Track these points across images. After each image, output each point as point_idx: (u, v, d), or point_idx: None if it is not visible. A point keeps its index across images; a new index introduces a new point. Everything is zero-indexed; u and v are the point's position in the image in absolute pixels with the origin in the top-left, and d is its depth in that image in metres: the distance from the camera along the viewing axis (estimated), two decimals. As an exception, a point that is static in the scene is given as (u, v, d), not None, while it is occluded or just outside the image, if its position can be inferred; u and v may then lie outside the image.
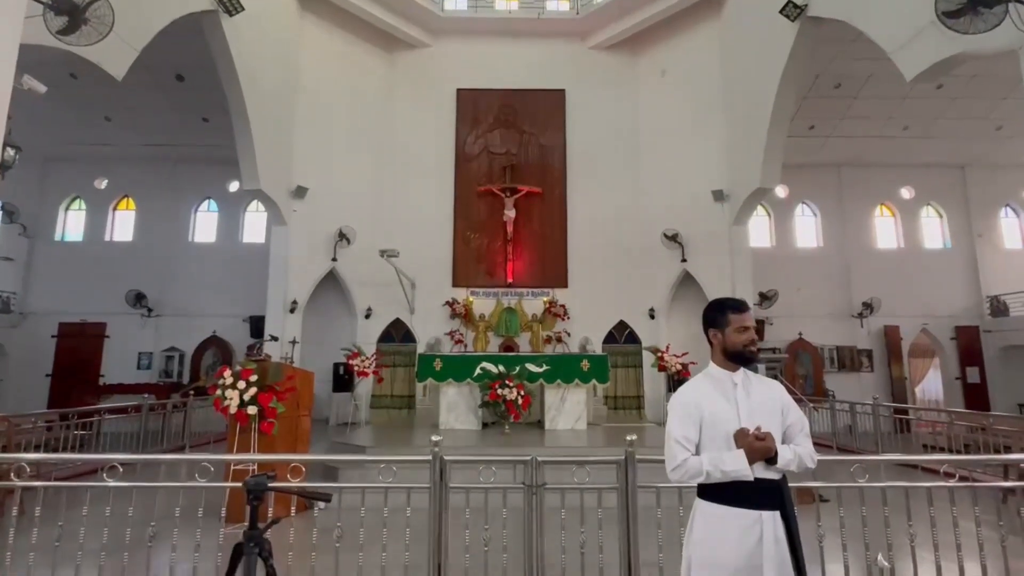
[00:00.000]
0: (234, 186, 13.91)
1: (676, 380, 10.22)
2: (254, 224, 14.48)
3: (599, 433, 8.06)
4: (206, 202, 14.74)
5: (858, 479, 3.39)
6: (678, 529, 3.22)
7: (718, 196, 11.17)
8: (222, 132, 10.97)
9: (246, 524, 1.73)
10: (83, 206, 14.66)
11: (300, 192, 11.04)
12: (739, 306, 2.18)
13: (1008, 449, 6.89)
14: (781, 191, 14.33)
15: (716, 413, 2.06)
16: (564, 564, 3.26)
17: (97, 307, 13.59)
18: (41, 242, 14.19)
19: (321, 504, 4.92)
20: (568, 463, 3.78)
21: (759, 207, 13.33)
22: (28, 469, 3.41)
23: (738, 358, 2.13)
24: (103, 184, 14.56)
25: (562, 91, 12.69)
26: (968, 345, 14.31)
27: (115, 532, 3.24)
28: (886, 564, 1.53)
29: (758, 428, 1.98)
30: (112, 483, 3.30)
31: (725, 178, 11.16)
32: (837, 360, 13.99)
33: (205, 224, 14.62)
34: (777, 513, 1.98)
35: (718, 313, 2.18)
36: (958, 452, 7.65)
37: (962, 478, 3.63)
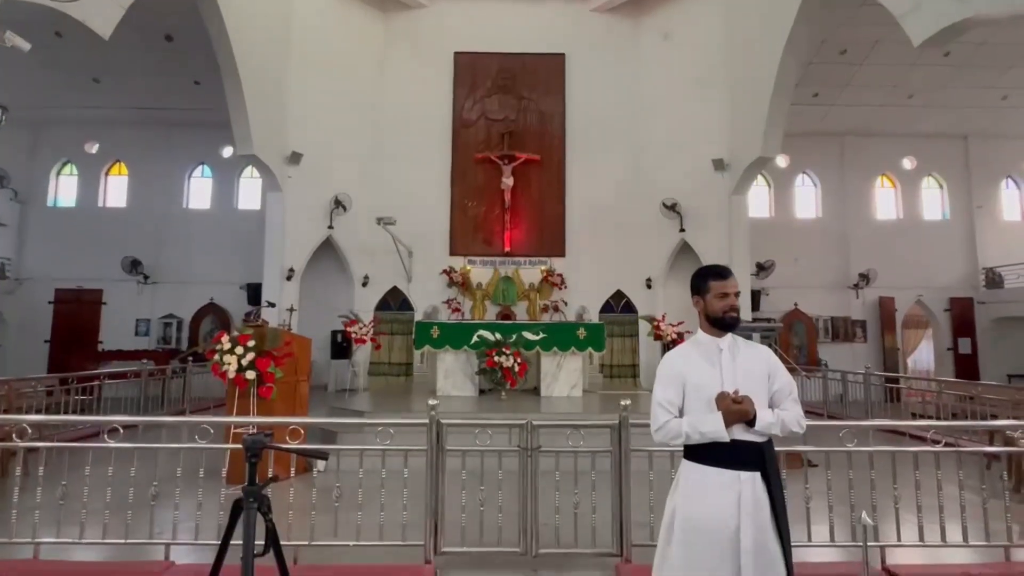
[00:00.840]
0: (228, 151, 13.69)
1: (671, 349, 10.32)
2: (249, 190, 14.31)
3: (594, 400, 8.17)
4: (200, 167, 14.53)
5: (847, 444, 3.46)
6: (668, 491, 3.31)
7: (718, 165, 11.06)
8: (214, 96, 10.72)
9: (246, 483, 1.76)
10: (75, 171, 14.44)
11: (295, 158, 10.87)
12: (720, 272, 2.21)
13: (995, 418, 7.01)
14: (782, 161, 14.19)
15: (699, 378, 2.12)
16: (558, 524, 3.34)
17: (93, 273, 13.54)
18: (33, 208, 14.03)
19: (320, 466, 5.02)
20: (563, 427, 3.84)
21: (759, 177, 13.22)
22: (29, 431, 3.45)
23: (719, 324, 2.16)
24: (94, 148, 14.31)
25: (562, 55, 12.39)
26: (961, 316, 14.44)
27: (118, 492, 3.30)
28: (870, 523, 1.57)
29: (736, 391, 2.04)
30: (113, 444, 3.36)
31: (726, 147, 11.03)
32: (831, 331, 14.12)
33: (199, 190, 14.45)
34: (757, 475, 2.03)
35: (701, 280, 2.22)
36: (946, 420, 7.80)
37: (948, 445, 3.72)
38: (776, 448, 2.19)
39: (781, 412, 2.08)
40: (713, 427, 2.02)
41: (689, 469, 2.12)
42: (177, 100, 12.90)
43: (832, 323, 14.14)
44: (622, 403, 3.46)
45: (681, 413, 2.13)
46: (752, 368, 2.13)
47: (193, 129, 13.91)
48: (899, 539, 3.37)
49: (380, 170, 11.90)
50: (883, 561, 3.25)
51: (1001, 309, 14.14)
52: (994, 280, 14.38)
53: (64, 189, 14.44)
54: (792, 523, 2.10)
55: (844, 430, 3.55)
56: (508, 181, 11.79)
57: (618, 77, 12.27)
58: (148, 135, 14.03)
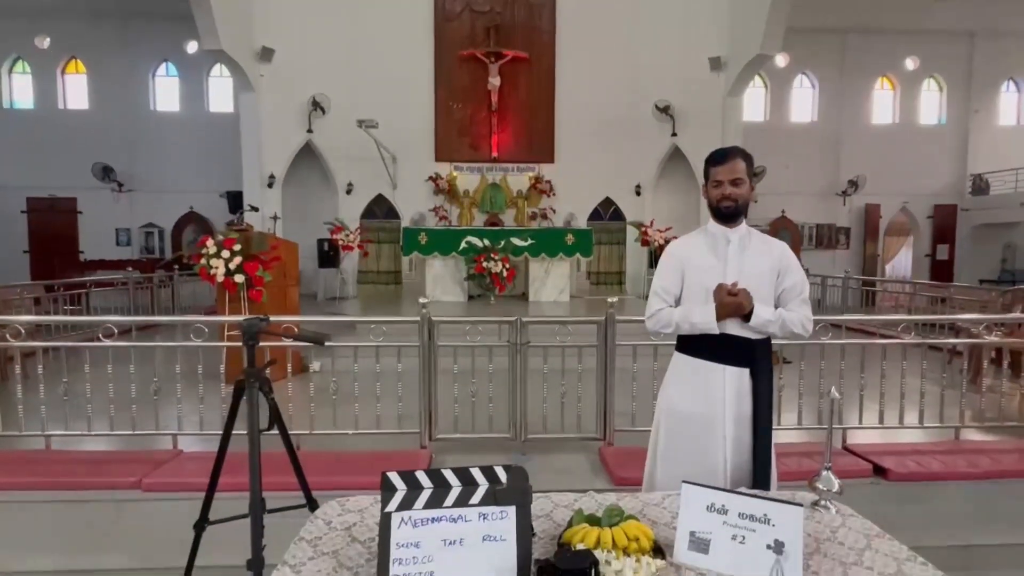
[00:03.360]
0: (192, 47, 12.69)
1: (658, 255, 10.44)
2: (220, 91, 13.48)
3: (581, 304, 8.37)
4: (164, 65, 13.54)
5: (821, 337, 3.62)
6: (651, 383, 3.49)
7: (715, 64, 10.57)
8: (172, -19, 9.78)
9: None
10: (27, 68, 13.40)
11: (266, 54, 10.15)
12: (716, 158, 2.03)
13: (962, 318, 7.32)
14: (781, 60, 13.54)
15: (700, 268, 2.03)
16: (546, 412, 3.54)
17: (63, 181, 13.00)
18: (-13, 109, 13.18)
19: (316, 365, 5.17)
20: (552, 323, 3.96)
21: (756, 77, 12.69)
22: (23, 331, 3.48)
23: (715, 213, 2.05)
24: (45, 43, 13.17)
25: (553, -62, 11.32)
26: (943, 223, 14.65)
27: (120, 390, 3.40)
28: (838, 395, 1.67)
29: (734, 284, 1.94)
30: (110, 343, 3.40)
31: (724, 44, 10.48)
32: (816, 238, 14.30)
33: (166, 90, 13.57)
34: (746, 371, 1.98)
35: (704, 167, 2.08)
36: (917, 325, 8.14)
37: (915, 346, 3.92)
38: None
39: (784, 311, 1.98)
40: (703, 318, 1.95)
41: (678, 360, 2.11)
42: (132, -13, 11.76)
43: (817, 230, 14.29)
44: (609, 299, 3.55)
45: (678, 303, 2.08)
46: (760, 263, 2.02)
47: (153, 21, 12.79)
48: (860, 422, 3.64)
49: (359, 69, 11.18)
50: (844, 441, 3.53)
51: (983, 216, 14.34)
52: (980, 187, 14.44)
53: (19, 89, 13.48)
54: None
55: (820, 324, 3.70)
56: (495, 81, 11.20)
57: (613, -37, 11.31)
58: (103, 28, 12.91)
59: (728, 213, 2.01)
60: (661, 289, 2.09)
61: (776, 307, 2.00)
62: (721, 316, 1.95)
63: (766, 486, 1.95)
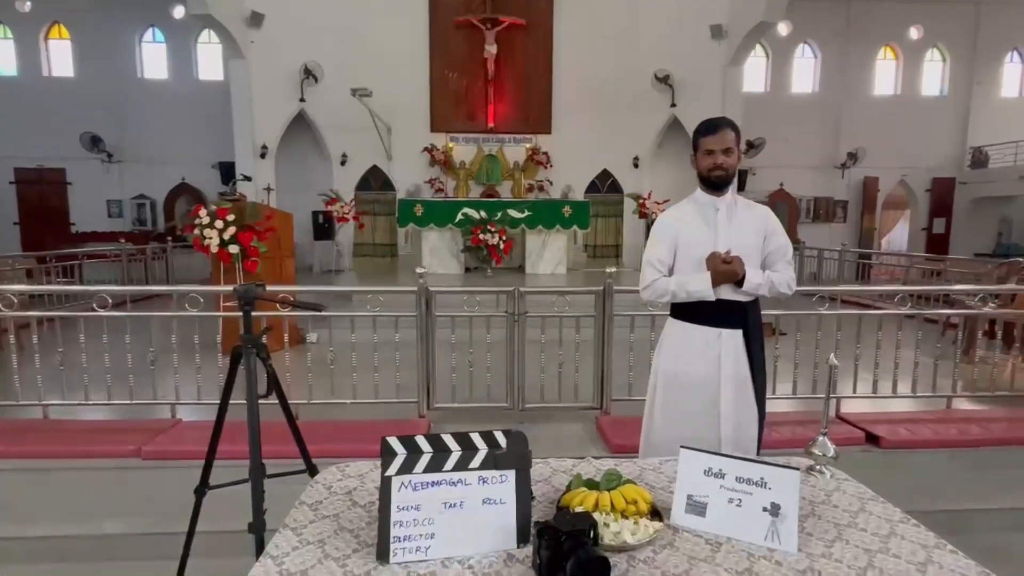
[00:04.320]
0: (179, 11, 12.33)
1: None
2: (209, 58, 13.14)
3: (578, 276, 8.36)
4: (150, 31, 13.15)
5: (818, 308, 3.63)
6: (648, 353, 3.50)
7: (716, 32, 10.33)
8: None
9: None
10: (8, 33, 12.98)
11: (256, 19, 9.85)
12: (707, 128, 2.07)
13: (957, 292, 7.36)
14: (783, 28, 13.27)
15: (692, 237, 2.09)
16: (543, 381, 3.56)
17: (51, 152, 12.75)
18: (-31, 76, 12.82)
19: (312, 337, 5.16)
20: (550, 293, 3.95)
21: (757, 46, 12.45)
22: (16, 301, 3.44)
23: (705, 182, 2.10)
24: (27, 6, 12.73)
25: None
26: (941, 196, 14.60)
27: (116, 360, 3.39)
28: (835, 363, 1.68)
29: (727, 252, 2.01)
30: (104, 313, 3.38)
31: (725, 11, 10.23)
32: (813, 211, 14.25)
33: (153, 57, 13.20)
34: (739, 332, 2.06)
35: (694, 136, 2.13)
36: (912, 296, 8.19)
37: (908, 316, 3.94)
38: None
39: (772, 273, 2.07)
40: (699, 286, 2.02)
41: (673, 326, 2.17)
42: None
43: (815, 204, 14.24)
44: (607, 270, 3.54)
45: (671, 272, 2.13)
46: (748, 228, 2.10)
47: (137, -16, 12.38)
48: (855, 391, 3.68)
49: (352, 36, 10.88)
50: (838, 410, 3.57)
51: (981, 189, 14.29)
52: (979, 160, 14.35)
53: (2, 56, 13.08)
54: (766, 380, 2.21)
55: (816, 296, 3.70)
56: (491, 49, 10.95)
57: (614, -75, 10.95)
58: (84, -10, 12.49)
59: (719, 182, 2.07)
60: (655, 259, 2.13)
61: (763, 269, 2.09)
62: (716, 283, 2.02)
63: (760, 442, 2.05)
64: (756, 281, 2.03)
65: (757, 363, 2.09)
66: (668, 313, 2.22)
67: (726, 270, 1.99)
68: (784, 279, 2.08)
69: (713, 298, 2.02)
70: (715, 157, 2.03)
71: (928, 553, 1.19)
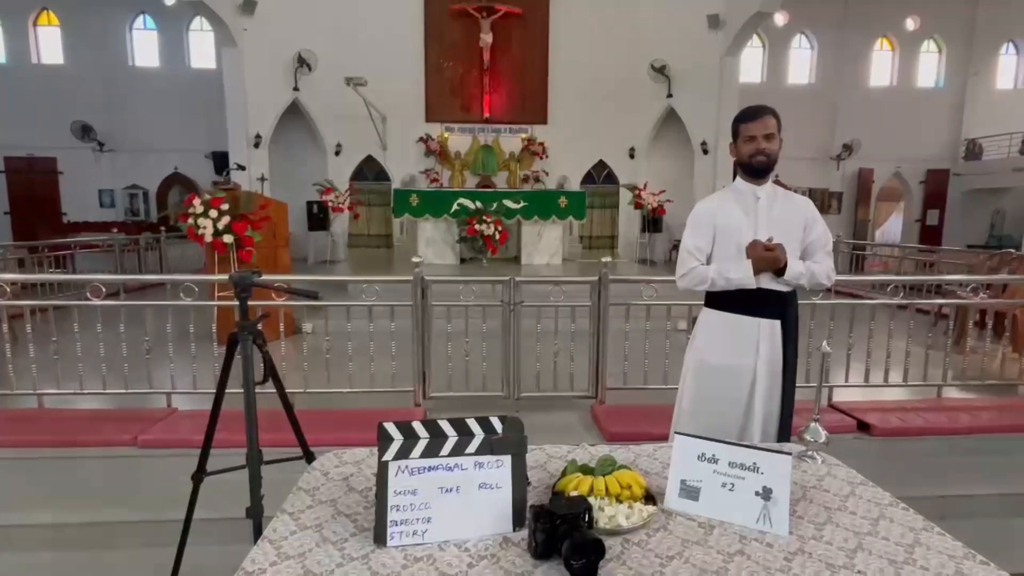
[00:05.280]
0: (171, -2, 12.16)
1: (651, 219, 10.41)
2: (201, 46, 13.00)
3: (574, 267, 8.37)
4: (140, 17, 12.98)
5: (812, 297, 3.65)
6: (642, 343, 3.53)
7: (713, 23, 10.30)
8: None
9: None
10: (-3, 20, 12.80)
11: (248, 6, 9.75)
12: (747, 115, 2.06)
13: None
14: (780, 18, 13.23)
15: (730, 225, 2.06)
16: (539, 370, 3.58)
17: (41, 141, 12.62)
18: (-43, 64, 12.63)
19: (308, 327, 5.15)
20: (545, 283, 3.96)
21: (754, 36, 12.41)
22: (8, 290, 3.42)
23: (748, 170, 2.07)
24: (13, -9, 12.54)
25: None
26: (935, 188, 14.67)
27: (111, 349, 3.38)
28: (828, 350, 1.70)
29: (769, 239, 1.98)
30: (99, 302, 3.36)
31: (723, 1, 10.19)
32: (808, 203, 14.27)
33: (144, 45, 13.05)
34: (777, 323, 2.05)
35: (733, 125, 2.11)
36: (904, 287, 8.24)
37: (900, 307, 3.98)
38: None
39: (812, 264, 2.04)
40: (740, 275, 1.99)
41: (709, 316, 2.14)
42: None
43: (810, 195, 14.08)
44: (603, 260, 3.55)
45: (709, 261, 2.10)
46: (789, 218, 2.07)
47: (127, -31, 12.20)
48: (847, 380, 3.72)
49: (347, 24, 10.79)
50: (830, 399, 3.61)
51: (975, 181, 14.35)
52: (974, 151, 14.41)
53: (-10, 42, 12.90)
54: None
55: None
56: (487, 38, 10.88)
57: (611, -88, 10.85)
58: (73, -25, 12.29)
59: (761, 168, 2.04)
60: (694, 247, 2.10)
61: (802, 259, 2.07)
62: (757, 271, 1.99)
63: (789, 431, 2.04)
64: (797, 270, 2.00)
65: (791, 354, 2.08)
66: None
67: (768, 257, 1.97)
68: (824, 270, 2.05)
69: (754, 286, 2.00)
70: (757, 143, 2.01)
71: (916, 536, 1.22)
